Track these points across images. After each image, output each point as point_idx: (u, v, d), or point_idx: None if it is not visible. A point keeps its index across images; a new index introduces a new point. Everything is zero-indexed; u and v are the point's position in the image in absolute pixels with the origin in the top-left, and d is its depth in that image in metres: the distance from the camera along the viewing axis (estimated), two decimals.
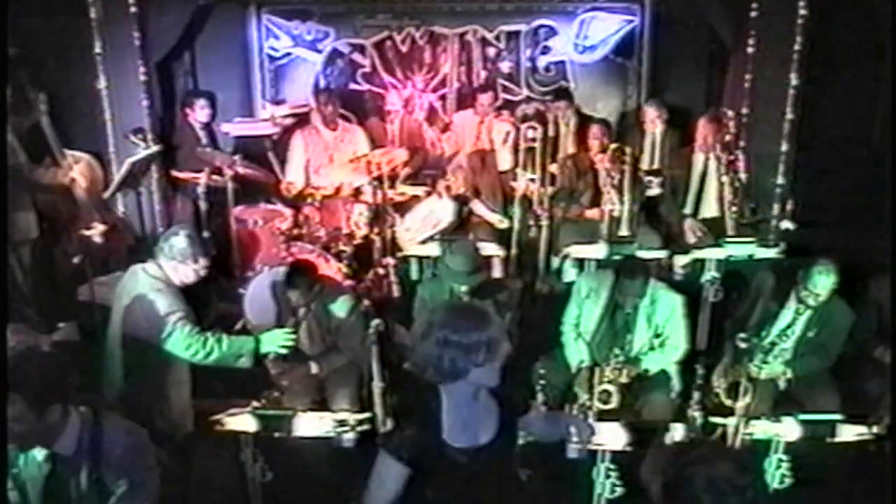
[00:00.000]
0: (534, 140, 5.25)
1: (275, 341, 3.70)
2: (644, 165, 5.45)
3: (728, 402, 3.68)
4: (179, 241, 3.55)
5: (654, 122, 5.55)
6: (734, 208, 4.93)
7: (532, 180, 5.22)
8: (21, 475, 2.36)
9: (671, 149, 5.51)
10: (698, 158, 5.19)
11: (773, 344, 3.88)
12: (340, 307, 3.97)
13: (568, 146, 5.79)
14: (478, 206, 5.42)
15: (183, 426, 3.80)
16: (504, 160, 5.39)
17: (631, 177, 5.03)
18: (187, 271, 3.59)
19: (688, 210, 5.22)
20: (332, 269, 4.77)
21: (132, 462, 2.42)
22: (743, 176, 5.04)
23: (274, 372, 3.84)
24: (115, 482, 2.36)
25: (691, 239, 5.00)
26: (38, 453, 2.35)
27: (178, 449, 3.71)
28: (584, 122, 5.85)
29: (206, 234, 4.93)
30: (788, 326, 3.91)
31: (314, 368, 3.94)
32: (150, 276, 3.56)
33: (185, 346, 3.51)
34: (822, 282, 3.75)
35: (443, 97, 6.40)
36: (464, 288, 3.86)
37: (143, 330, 3.54)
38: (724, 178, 5.00)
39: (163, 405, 3.74)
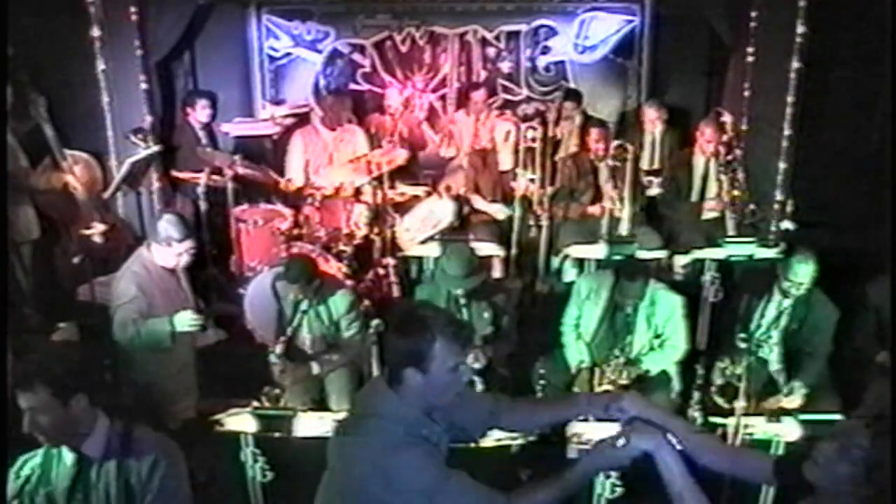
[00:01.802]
0: (534, 140, 5.26)
1: (185, 322, 3.71)
2: (644, 165, 5.47)
3: (720, 402, 3.69)
4: (161, 224, 3.73)
5: (654, 122, 5.57)
6: (734, 208, 4.93)
7: (532, 180, 5.22)
8: (50, 477, 2.32)
9: (671, 149, 5.53)
10: (699, 161, 5.20)
11: (759, 345, 3.88)
12: (340, 302, 3.98)
13: (570, 146, 5.79)
14: (478, 202, 5.42)
15: (185, 423, 3.82)
16: (505, 160, 5.39)
17: (631, 176, 5.04)
18: (168, 255, 3.73)
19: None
20: (332, 269, 4.77)
21: (161, 481, 2.32)
22: (741, 176, 5.04)
23: (277, 371, 3.85)
24: (142, 494, 2.30)
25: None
26: (68, 456, 2.31)
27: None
28: (584, 122, 5.86)
29: (205, 234, 4.95)
30: (773, 321, 3.91)
31: (315, 369, 3.94)
32: (138, 255, 3.78)
33: (115, 329, 3.66)
34: (803, 270, 3.75)
35: (443, 97, 6.40)
36: (460, 291, 3.86)
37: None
38: (724, 178, 5.01)
39: (167, 402, 3.78)
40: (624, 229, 5.00)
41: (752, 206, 4.94)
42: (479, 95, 5.94)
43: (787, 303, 3.85)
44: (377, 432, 2.06)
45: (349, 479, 2.11)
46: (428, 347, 2.03)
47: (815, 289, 3.83)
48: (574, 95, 5.98)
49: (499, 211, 5.35)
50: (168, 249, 3.71)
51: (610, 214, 5.04)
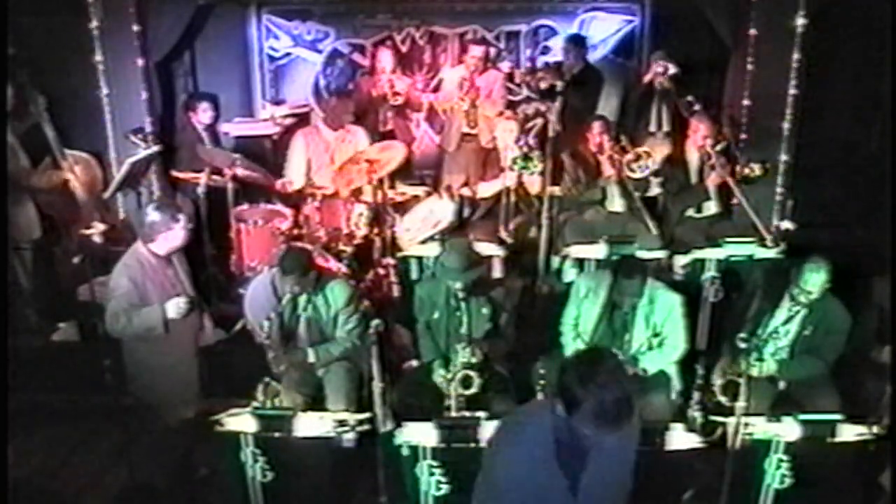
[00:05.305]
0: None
1: (175, 307, 3.78)
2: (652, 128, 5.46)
3: (723, 400, 3.69)
4: (154, 215, 3.79)
5: (658, 77, 5.45)
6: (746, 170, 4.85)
7: (525, 162, 5.14)
8: None
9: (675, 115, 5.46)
10: (693, 156, 5.19)
11: (766, 342, 3.87)
12: (340, 293, 3.99)
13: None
14: (482, 187, 5.43)
15: (185, 423, 3.83)
16: (506, 158, 5.38)
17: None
18: (174, 235, 3.82)
19: (691, 209, 5.22)
20: (332, 269, 4.77)
21: None
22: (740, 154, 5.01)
23: (270, 355, 3.85)
24: None
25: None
26: None
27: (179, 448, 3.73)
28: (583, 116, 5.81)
29: (205, 234, 4.95)
30: (783, 324, 3.90)
31: (311, 356, 3.94)
32: (133, 249, 3.84)
33: (107, 320, 3.76)
34: (814, 279, 3.73)
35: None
36: (458, 285, 3.85)
37: None
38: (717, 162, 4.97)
39: (167, 400, 3.78)
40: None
41: (756, 168, 4.85)
42: (478, 51, 5.86)
43: (797, 308, 3.84)
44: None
45: None
46: (588, 402, 2.06)
47: (829, 295, 3.80)
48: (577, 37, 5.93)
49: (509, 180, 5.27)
50: (175, 230, 3.80)
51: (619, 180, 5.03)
